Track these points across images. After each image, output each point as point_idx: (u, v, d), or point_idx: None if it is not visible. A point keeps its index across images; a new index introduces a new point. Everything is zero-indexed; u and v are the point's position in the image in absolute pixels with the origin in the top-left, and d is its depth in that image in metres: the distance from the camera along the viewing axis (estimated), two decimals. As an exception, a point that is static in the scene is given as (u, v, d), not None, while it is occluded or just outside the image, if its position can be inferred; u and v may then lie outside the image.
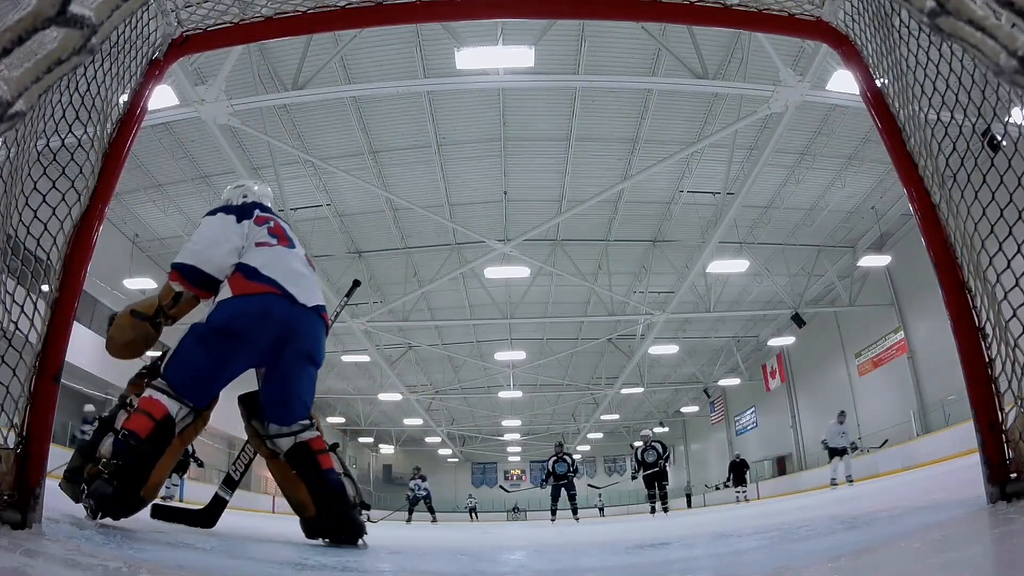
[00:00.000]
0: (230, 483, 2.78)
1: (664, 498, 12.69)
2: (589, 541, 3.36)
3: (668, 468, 13.15)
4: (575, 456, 16.02)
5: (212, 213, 2.66)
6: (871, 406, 18.90)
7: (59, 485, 2.32)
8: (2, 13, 0.95)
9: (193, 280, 2.50)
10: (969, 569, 0.97)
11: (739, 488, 18.69)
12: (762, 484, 22.77)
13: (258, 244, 2.58)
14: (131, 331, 2.62)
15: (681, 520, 6.66)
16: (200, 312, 2.63)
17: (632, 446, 19.99)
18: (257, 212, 2.69)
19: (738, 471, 18.98)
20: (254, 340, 2.43)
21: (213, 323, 2.41)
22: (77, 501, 2.30)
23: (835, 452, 13.05)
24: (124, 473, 2.18)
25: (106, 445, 2.24)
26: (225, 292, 2.46)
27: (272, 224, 2.69)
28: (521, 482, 42.10)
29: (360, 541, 2.49)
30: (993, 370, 1.58)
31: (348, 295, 3.74)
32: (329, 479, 2.53)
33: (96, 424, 2.48)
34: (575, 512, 12.96)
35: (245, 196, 2.90)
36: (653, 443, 12.95)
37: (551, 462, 13.30)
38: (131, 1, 1.18)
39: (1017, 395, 1.49)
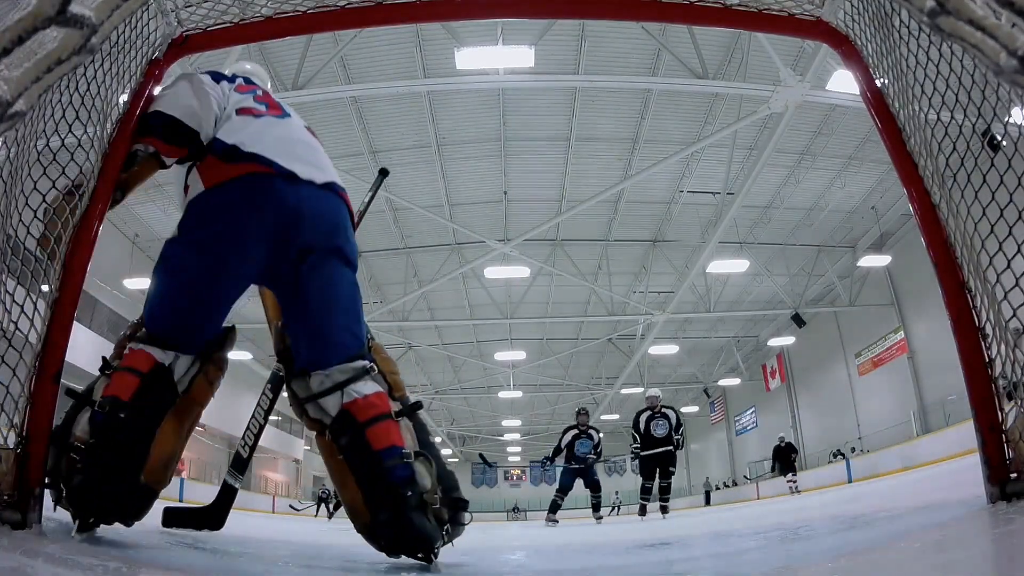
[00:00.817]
0: (239, 465, 2.15)
1: (666, 491, 8.95)
2: (589, 541, 3.36)
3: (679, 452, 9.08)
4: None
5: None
6: (871, 406, 18.91)
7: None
8: (2, 13, 0.95)
9: (159, 131, 1.80)
10: (969, 569, 0.97)
11: (789, 477, 15.82)
12: (762, 484, 22.77)
13: (241, 111, 1.90)
14: (70, 213, 1.72)
15: (681, 520, 6.65)
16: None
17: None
18: (240, 81, 2.05)
19: (784, 457, 16.34)
20: (244, 241, 1.74)
21: (184, 233, 1.77)
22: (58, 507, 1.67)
23: None
24: (107, 453, 1.59)
25: (81, 424, 1.65)
26: (196, 188, 1.78)
27: (260, 92, 2.03)
28: (522, 481, 42.06)
29: (431, 558, 1.65)
30: (993, 370, 1.58)
31: (375, 187, 2.92)
32: (384, 467, 1.67)
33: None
34: (597, 509, 9.40)
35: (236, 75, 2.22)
36: (664, 408, 9.05)
37: (569, 437, 9.21)
38: (131, 1, 1.18)
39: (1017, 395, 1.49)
